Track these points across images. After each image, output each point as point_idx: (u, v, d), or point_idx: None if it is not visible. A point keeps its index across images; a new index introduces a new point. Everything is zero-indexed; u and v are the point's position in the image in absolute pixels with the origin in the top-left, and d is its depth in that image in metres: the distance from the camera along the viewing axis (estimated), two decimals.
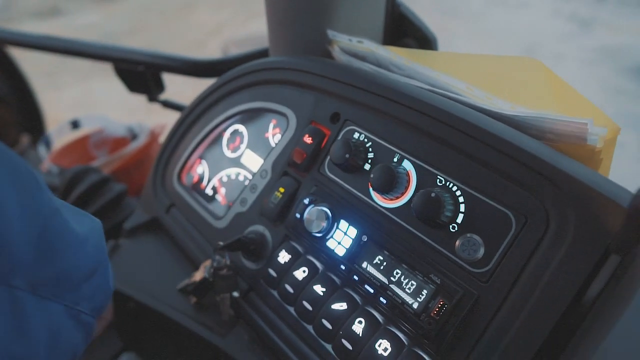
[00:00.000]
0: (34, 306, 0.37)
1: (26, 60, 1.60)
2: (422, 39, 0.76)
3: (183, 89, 1.40)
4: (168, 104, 1.02)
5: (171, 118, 1.00)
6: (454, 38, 4.02)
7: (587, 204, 0.40)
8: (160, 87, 1.01)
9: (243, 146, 0.71)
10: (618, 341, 0.36)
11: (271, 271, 0.58)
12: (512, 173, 0.45)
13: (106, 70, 0.99)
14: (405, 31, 0.77)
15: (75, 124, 1.31)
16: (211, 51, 3.97)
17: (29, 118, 1.51)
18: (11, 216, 0.35)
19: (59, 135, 1.30)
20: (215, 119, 0.74)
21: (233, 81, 0.72)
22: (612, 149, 0.48)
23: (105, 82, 3.25)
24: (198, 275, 0.63)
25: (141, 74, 0.96)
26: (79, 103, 3.24)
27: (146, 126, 1.28)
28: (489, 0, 4.82)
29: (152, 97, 1.01)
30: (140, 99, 1.03)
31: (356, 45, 0.66)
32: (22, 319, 0.36)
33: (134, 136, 1.28)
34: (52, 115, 1.80)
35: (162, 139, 1.30)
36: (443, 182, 0.49)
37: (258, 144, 0.70)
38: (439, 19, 4.32)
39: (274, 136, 0.68)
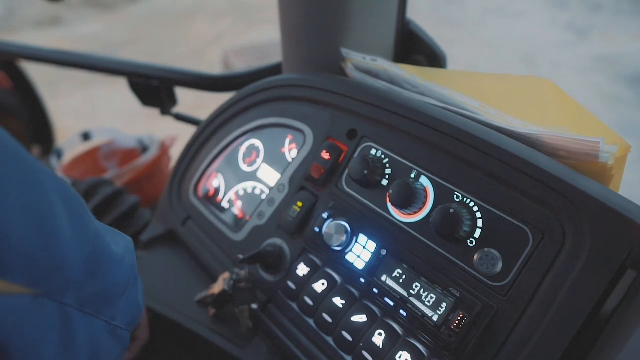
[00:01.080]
0: (80, 322, 0.39)
1: (26, 70, 1.62)
2: (432, 56, 0.78)
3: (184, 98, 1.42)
4: (181, 117, 1.04)
5: (171, 125, 1.01)
6: (452, 47, 4.05)
7: (603, 220, 0.42)
8: (173, 101, 1.02)
9: (259, 160, 0.73)
10: (634, 355, 0.38)
11: (290, 284, 0.60)
12: (528, 190, 0.46)
13: (105, 78, 1.00)
14: (415, 48, 0.79)
15: (86, 136, 1.33)
16: (211, 60, 3.97)
17: (39, 130, 1.53)
18: (67, 237, 0.37)
19: (70, 147, 1.32)
20: (232, 134, 0.76)
21: (250, 97, 0.74)
22: (622, 165, 0.50)
23: (104, 90, 3.28)
24: (217, 288, 0.65)
25: (155, 88, 0.98)
26: (79, 111, 3.25)
27: (156, 138, 1.30)
28: (486, 9, 4.86)
29: (165, 111, 1.03)
30: (138, 106, 1.04)
31: (369, 63, 0.68)
32: (70, 334, 0.38)
33: (144, 148, 1.30)
34: (54, 124, 1.82)
35: (172, 151, 1.32)
36: (460, 198, 0.51)
37: (274, 159, 0.71)
38: (436, 27, 4.36)
39: (290, 151, 0.70)
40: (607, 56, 3.99)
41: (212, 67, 3.81)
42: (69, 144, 1.33)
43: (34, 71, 1.54)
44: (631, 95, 3.51)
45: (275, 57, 0.83)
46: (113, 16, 5.07)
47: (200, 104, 1.60)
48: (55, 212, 0.37)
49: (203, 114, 0.90)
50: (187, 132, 0.89)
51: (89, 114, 3.22)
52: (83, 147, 1.36)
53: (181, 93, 1.01)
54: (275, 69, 0.86)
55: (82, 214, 0.40)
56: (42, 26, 4.87)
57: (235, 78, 0.92)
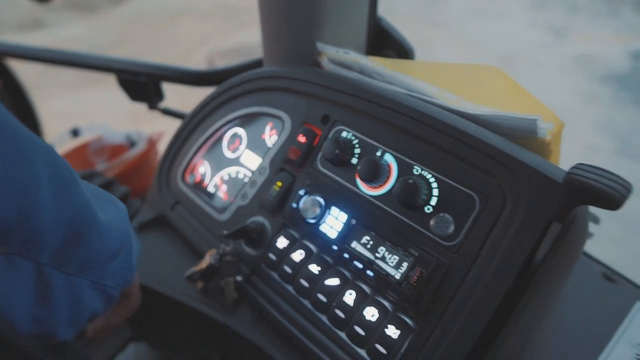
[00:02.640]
0: (58, 280, 0.44)
1: (14, 70, 1.65)
2: (401, 50, 0.85)
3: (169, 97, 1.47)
4: (167, 112, 1.09)
5: (158, 127, 1.05)
6: (434, 47, 4.14)
7: (534, 183, 0.49)
8: (160, 96, 1.08)
9: (242, 147, 0.79)
10: (559, 290, 0.44)
11: (271, 255, 0.66)
12: (475, 161, 0.53)
13: (92, 81, 1.05)
14: (386, 43, 0.86)
15: (75, 133, 1.37)
16: (197, 62, 3.99)
17: (28, 128, 1.55)
18: (45, 207, 0.40)
19: (60, 143, 1.36)
20: (216, 123, 0.81)
21: (232, 89, 0.80)
22: (559, 141, 0.57)
23: (91, 93, 3.29)
24: (204, 263, 0.70)
25: (143, 84, 1.03)
26: (68, 113, 3.27)
27: (144, 134, 1.34)
28: (468, 10, 4.96)
29: (153, 105, 1.08)
30: (126, 108, 1.09)
31: (343, 56, 0.75)
32: (46, 289, 0.43)
33: (132, 143, 1.35)
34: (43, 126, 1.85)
35: (159, 145, 1.37)
36: (419, 171, 0.57)
37: (256, 145, 0.77)
38: (420, 28, 4.45)
39: (271, 137, 0.76)
40: (584, 56, 4.09)
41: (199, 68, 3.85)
42: (59, 140, 1.37)
43: (21, 74, 1.57)
44: (608, 93, 3.61)
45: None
46: (97, 18, 5.03)
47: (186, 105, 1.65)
48: (39, 183, 0.39)
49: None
50: (173, 130, 0.94)
51: (76, 117, 3.24)
52: (73, 143, 1.40)
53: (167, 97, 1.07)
54: (257, 64, 0.92)
55: (69, 185, 0.43)
56: (24, 29, 4.83)
57: (218, 73, 0.98)
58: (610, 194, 0.38)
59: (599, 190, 0.38)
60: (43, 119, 1.78)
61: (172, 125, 1.07)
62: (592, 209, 0.69)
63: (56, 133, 1.39)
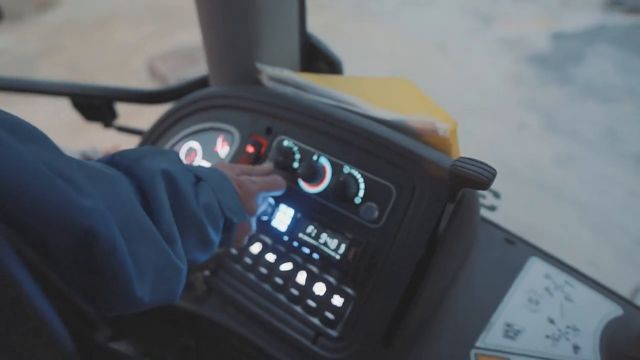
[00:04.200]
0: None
1: None
2: (330, 62, 0.98)
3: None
4: (123, 129, 1.17)
5: (97, 137, 1.09)
6: (374, 42, 4.31)
7: (435, 173, 0.63)
8: (113, 115, 1.15)
9: (198, 158, 0.89)
10: (456, 254, 0.59)
11: (233, 251, 0.77)
12: (390, 158, 0.67)
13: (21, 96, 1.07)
14: (316, 56, 0.99)
15: None
16: (135, 68, 3.86)
17: None
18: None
19: None
20: (173, 139, 0.91)
21: (186, 107, 0.90)
22: (455, 137, 0.72)
23: (23, 107, 3.18)
24: None
25: (96, 105, 1.10)
26: None
27: (98, 150, 1.40)
28: (399, 2, 5.15)
29: (108, 124, 1.16)
30: (63, 122, 1.13)
31: (279, 74, 0.87)
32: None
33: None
34: None
35: None
36: (348, 170, 0.71)
37: (210, 156, 0.88)
38: (357, 24, 4.61)
39: (223, 148, 0.87)
40: (510, 40, 4.36)
41: (138, 75, 3.73)
42: None
43: None
44: (533, 74, 3.89)
45: (200, 59, 0.98)
46: (23, 27, 4.69)
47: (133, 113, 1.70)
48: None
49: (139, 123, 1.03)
50: (113, 140, 1.00)
51: None
52: None
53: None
54: (203, 82, 1.02)
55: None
56: None
57: (168, 92, 1.07)
58: (480, 179, 0.53)
59: (471, 176, 0.53)
60: None
61: (110, 136, 1.10)
62: (494, 187, 0.86)
63: None
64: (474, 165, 0.54)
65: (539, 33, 4.46)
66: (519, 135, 3.12)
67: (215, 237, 0.54)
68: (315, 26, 0.98)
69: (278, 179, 0.70)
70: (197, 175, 0.55)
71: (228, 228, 0.58)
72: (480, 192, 0.85)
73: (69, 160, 0.39)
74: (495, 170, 0.55)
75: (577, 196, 2.62)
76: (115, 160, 0.49)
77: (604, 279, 0.76)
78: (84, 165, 0.42)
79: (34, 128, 0.38)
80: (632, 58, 4.01)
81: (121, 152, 0.49)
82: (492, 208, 0.87)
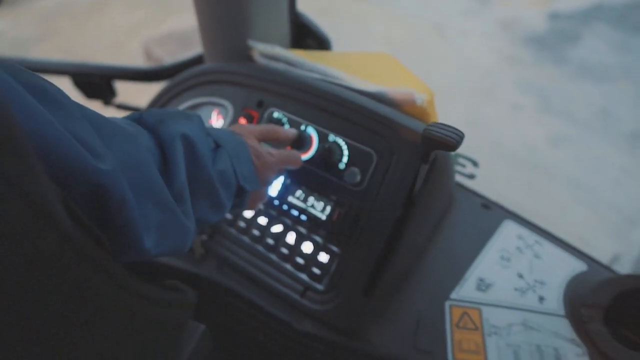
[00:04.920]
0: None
1: None
2: (319, 40, 1.03)
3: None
4: (122, 107, 1.22)
5: None
6: (369, 24, 4.31)
7: (411, 138, 0.69)
8: (113, 93, 1.20)
9: None
10: (431, 212, 0.65)
11: (228, 215, 0.83)
12: (371, 127, 0.73)
13: None
14: (306, 35, 1.04)
15: None
16: (130, 53, 3.86)
17: None
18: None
19: None
20: None
21: (182, 83, 0.95)
22: (433, 106, 0.78)
23: None
24: None
25: (96, 84, 1.15)
26: None
27: None
28: None
29: (107, 102, 1.21)
30: None
31: (270, 50, 0.91)
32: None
33: None
34: None
35: None
36: (333, 138, 0.76)
37: None
38: (354, 5, 4.60)
39: (218, 121, 0.92)
40: (506, 20, 4.36)
41: (134, 59, 3.74)
42: None
43: None
44: (528, 55, 3.90)
45: (195, 42, 1.03)
46: (17, 11, 4.66)
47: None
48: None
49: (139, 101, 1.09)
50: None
51: None
52: None
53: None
54: (198, 59, 1.07)
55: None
56: None
57: (165, 69, 1.12)
58: (449, 141, 0.58)
59: (440, 139, 0.58)
60: None
61: (110, 114, 1.15)
62: (475, 157, 0.91)
63: None
64: (443, 129, 0.60)
65: (535, 13, 4.45)
66: (513, 116, 3.16)
67: (228, 202, 0.58)
68: (313, 10, 1.01)
69: (295, 154, 0.74)
70: (217, 142, 0.58)
71: (241, 194, 0.61)
72: (460, 160, 0.91)
73: (84, 120, 0.41)
74: (463, 133, 0.60)
75: (570, 175, 2.67)
76: (142, 118, 0.51)
77: (593, 253, 0.80)
78: (100, 121, 0.43)
79: (50, 87, 0.40)
80: (628, 38, 4.02)
81: (149, 111, 0.52)
82: (471, 176, 0.93)
